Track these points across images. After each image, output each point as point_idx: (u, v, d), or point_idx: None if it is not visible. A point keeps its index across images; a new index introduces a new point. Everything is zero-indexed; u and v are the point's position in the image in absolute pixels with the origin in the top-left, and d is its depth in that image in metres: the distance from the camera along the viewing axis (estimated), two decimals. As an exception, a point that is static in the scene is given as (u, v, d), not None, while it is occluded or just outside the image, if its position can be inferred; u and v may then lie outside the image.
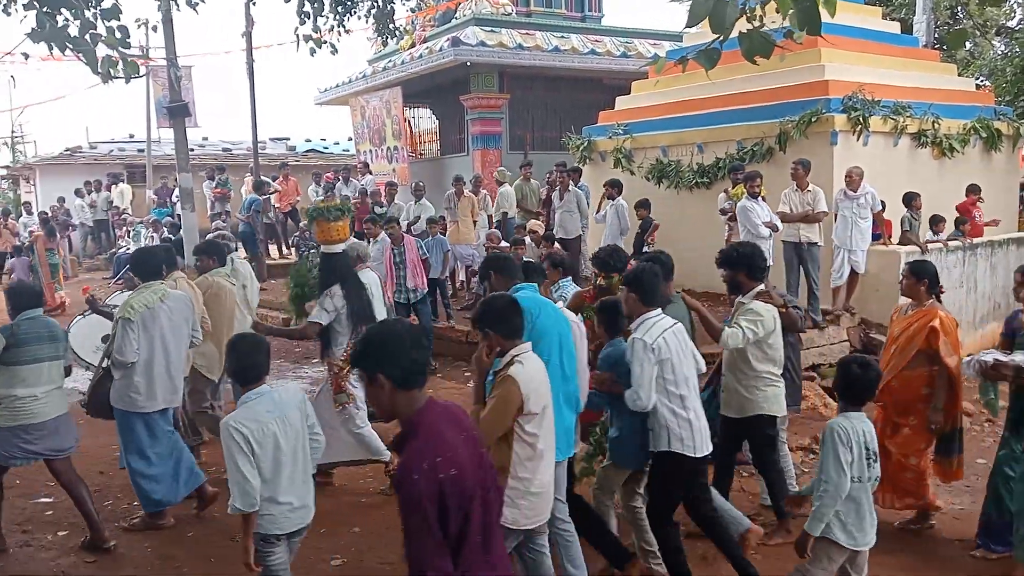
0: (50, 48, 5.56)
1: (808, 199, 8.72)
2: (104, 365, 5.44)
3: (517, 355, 3.55)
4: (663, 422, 4.13)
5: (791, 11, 3.20)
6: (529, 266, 4.84)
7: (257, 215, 14.68)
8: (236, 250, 8.43)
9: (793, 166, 8.89)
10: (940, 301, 5.23)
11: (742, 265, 4.88)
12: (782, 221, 8.73)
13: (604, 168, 12.48)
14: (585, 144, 12.91)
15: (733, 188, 9.62)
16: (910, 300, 5.26)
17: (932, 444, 5.18)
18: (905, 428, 5.15)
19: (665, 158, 11.68)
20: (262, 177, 16.62)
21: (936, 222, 9.74)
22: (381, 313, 6.85)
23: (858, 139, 9.81)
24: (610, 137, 12.43)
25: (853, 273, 9.05)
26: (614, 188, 10.82)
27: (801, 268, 8.81)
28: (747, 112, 10.58)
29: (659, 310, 4.28)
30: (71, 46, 4.92)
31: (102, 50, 5.82)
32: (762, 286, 4.90)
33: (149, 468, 5.24)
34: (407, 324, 2.69)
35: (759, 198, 8.71)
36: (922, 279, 5.12)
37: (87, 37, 5.62)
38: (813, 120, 9.62)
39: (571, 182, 11.45)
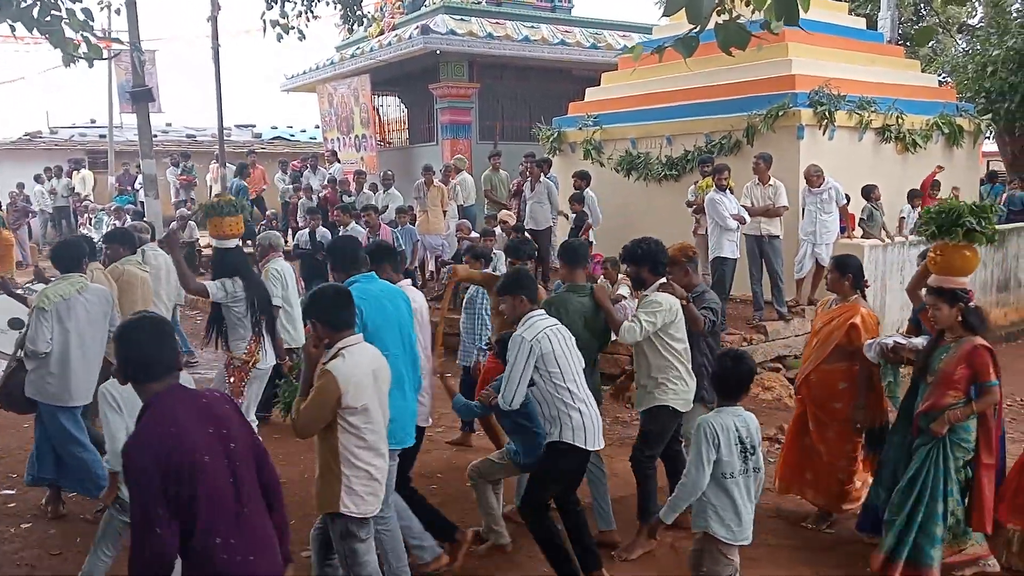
0: (12, 29, 5.41)
1: (769, 193, 8.80)
2: (18, 355, 5.27)
3: (344, 347, 3.53)
4: (555, 413, 4.23)
5: (768, 2, 3.22)
6: (376, 251, 4.77)
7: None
8: (151, 240, 8.37)
9: (755, 160, 8.96)
10: (865, 296, 5.24)
11: (645, 261, 4.91)
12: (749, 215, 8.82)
13: (574, 159, 12.51)
14: (555, 135, 12.93)
15: (702, 180, 9.69)
16: (835, 295, 5.25)
17: (859, 445, 5.18)
18: (830, 431, 5.15)
19: (634, 150, 11.73)
20: (244, 161, 16.37)
21: (912, 197, 10.11)
22: (295, 301, 6.91)
23: (824, 133, 9.94)
24: (580, 128, 12.45)
25: (819, 266, 9.19)
26: (583, 180, 10.83)
27: (764, 261, 8.91)
28: (715, 105, 10.66)
29: (542, 310, 4.42)
30: (37, 27, 4.79)
31: (65, 32, 5.68)
32: (664, 280, 4.92)
33: (85, 452, 5.16)
34: (151, 320, 2.77)
35: (727, 191, 8.79)
36: (846, 273, 5.10)
37: (48, 18, 5.48)
38: (780, 114, 9.74)
39: (541, 173, 11.45)
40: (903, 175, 10.86)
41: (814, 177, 8.99)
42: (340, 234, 9.96)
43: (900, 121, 10.73)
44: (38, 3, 5.49)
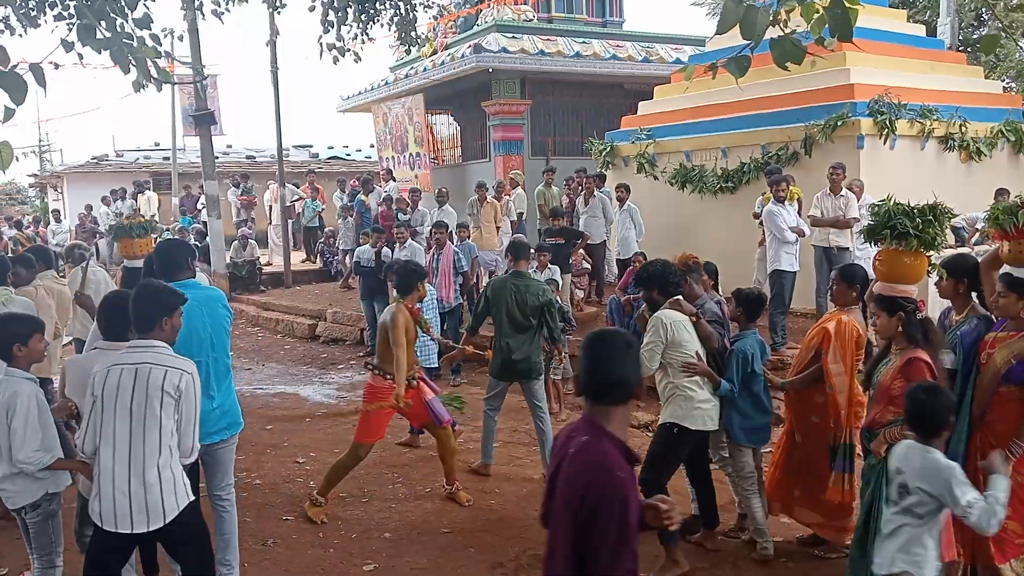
0: (80, 58, 5.65)
1: (840, 204, 8.62)
2: None
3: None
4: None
5: (816, 19, 3.20)
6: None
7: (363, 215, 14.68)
8: (91, 257, 8.39)
9: (833, 170, 8.71)
10: (865, 309, 4.83)
11: (653, 283, 4.88)
12: (813, 225, 8.68)
13: (626, 173, 12.48)
14: (607, 149, 12.93)
15: (769, 192, 9.60)
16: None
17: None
18: (812, 447, 4.83)
19: (689, 163, 11.66)
20: (365, 178, 16.57)
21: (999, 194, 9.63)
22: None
23: (885, 143, 9.75)
24: (633, 142, 12.43)
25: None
26: (625, 192, 10.87)
27: (831, 273, 8.74)
28: (772, 116, 10.55)
29: None
30: (112, 57, 5.00)
31: (135, 59, 5.90)
32: (677, 298, 4.85)
33: None
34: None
35: (785, 202, 8.68)
36: (853, 284, 4.82)
37: (119, 45, 5.71)
38: (839, 124, 9.59)
39: (595, 187, 11.47)
40: (967, 184, 10.58)
41: (856, 190, 8.84)
42: (398, 251, 10.13)
43: (963, 129, 10.47)
44: (109, 33, 5.73)
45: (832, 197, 8.71)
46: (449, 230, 10.92)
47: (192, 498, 3.55)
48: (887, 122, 9.63)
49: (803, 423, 4.92)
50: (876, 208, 4.37)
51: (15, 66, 3.76)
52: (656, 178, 12.06)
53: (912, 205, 4.24)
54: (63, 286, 6.83)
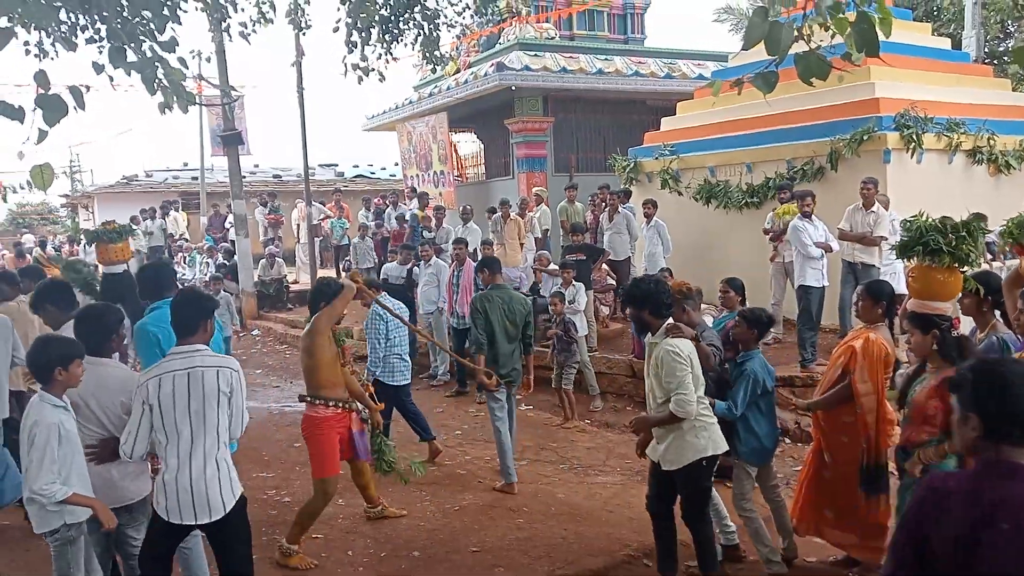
0: (111, 79, 5.76)
1: (870, 220, 8.48)
2: None
3: None
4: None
5: (848, 32, 3.19)
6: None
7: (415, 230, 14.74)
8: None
9: (865, 184, 8.56)
10: (892, 326, 4.78)
11: (645, 303, 4.49)
12: (840, 239, 8.60)
13: (650, 189, 12.48)
14: (631, 165, 12.94)
15: (780, 208, 9.56)
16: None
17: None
18: (842, 467, 4.71)
19: (713, 178, 11.64)
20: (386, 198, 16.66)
21: None
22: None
23: (912, 156, 9.67)
24: (656, 158, 12.43)
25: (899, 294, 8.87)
26: (652, 207, 10.86)
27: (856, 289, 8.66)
28: (796, 131, 10.51)
29: None
30: (142, 79, 5.11)
31: (162, 80, 6.02)
32: (670, 320, 4.53)
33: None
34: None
35: (811, 217, 8.63)
36: (880, 301, 4.72)
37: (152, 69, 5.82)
38: (865, 138, 9.53)
39: (619, 204, 11.48)
40: (996, 197, 10.44)
41: (882, 205, 8.75)
42: (424, 268, 10.18)
43: (992, 142, 10.36)
44: (142, 56, 5.85)
45: (863, 212, 8.62)
46: (471, 247, 11.00)
47: (241, 490, 3.82)
48: (913, 136, 9.56)
49: (832, 443, 4.82)
50: (908, 224, 4.31)
51: (52, 88, 3.86)
52: (680, 194, 12.05)
53: (944, 220, 4.17)
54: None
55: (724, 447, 4.54)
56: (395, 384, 7.13)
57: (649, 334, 4.58)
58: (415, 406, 7.40)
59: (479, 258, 10.92)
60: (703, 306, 7.46)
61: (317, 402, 5.22)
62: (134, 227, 19.44)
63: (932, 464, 3.83)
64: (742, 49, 3.14)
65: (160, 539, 3.77)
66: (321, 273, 17.12)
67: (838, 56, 3.38)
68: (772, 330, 9.59)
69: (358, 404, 5.49)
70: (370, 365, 7.14)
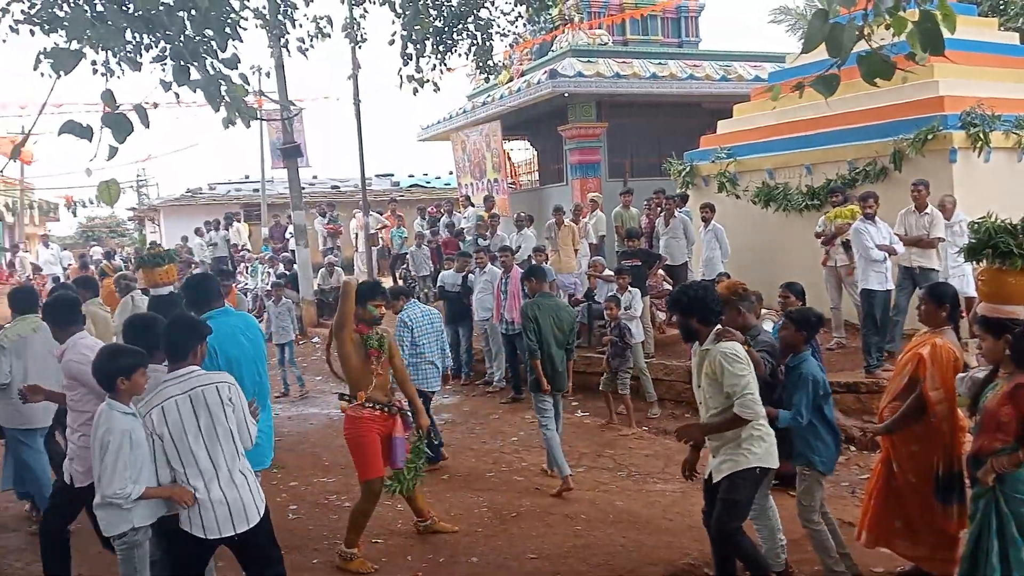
0: (176, 96, 5.94)
1: (924, 222, 8.31)
2: None
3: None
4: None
5: (911, 31, 3.11)
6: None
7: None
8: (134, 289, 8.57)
9: (915, 187, 8.42)
10: (958, 329, 4.60)
11: (693, 310, 4.30)
12: (896, 243, 8.41)
13: (707, 193, 12.34)
14: (687, 169, 12.81)
15: (832, 211, 9.39)
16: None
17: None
18: (912, 476, 4.53)
19: (772, 181, 11.45)
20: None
21: None
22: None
23: (979, 156, 9.39)
24: (713, 161, 12.29)
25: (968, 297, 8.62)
26: (710, 211, 10.74)
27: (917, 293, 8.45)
28: (857, 131, 10.28)
29: None
30: (206, 96, 5.25)
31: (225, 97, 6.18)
32: (719, 327, 4.33)
33: (35, 470, 5.70)
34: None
35: (874, 219, 8.43)
36: (943, 303, 4.52)
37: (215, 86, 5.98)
38: (930, 138, 9.28)
39: (675, 208, 11.39)
40: (1071, 196, 10.07)
41: (950, 207, 8.55)
42: (478, 275, 10.24)
43: (1063, 139, 9.99)
44: (205, 73, 6.02)
45: (916, 215, 8.42)
46: (524, 254, 11.04)
47: (264, 498, 3.95)
48: (980, 134, 9.27)
49: (902, 452, 4.64)
50: (976, 226, 4.18)
51: (118, 107, 4.00)
52: (738, 197, 11.88)
53: (1016, 223, 4.04)
54: (107, 312, 7.46)
55: (776, 463, 4.38)
56: (430, 390, 7.39)
57: (697, 343, 4.43)
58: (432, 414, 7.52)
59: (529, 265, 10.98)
60: (763, 311, 7.35)
61: (354, 402, 5.32)
62: (180, 247, 20.09)
63: (1006, 472, 3.71)
64: (803, 51, 3.07)
65: (193, 561, 3.88)
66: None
67: (902, 55, 3.30)
68: (835, 335, 9.44)
69: (405, 406, 5.51)
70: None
